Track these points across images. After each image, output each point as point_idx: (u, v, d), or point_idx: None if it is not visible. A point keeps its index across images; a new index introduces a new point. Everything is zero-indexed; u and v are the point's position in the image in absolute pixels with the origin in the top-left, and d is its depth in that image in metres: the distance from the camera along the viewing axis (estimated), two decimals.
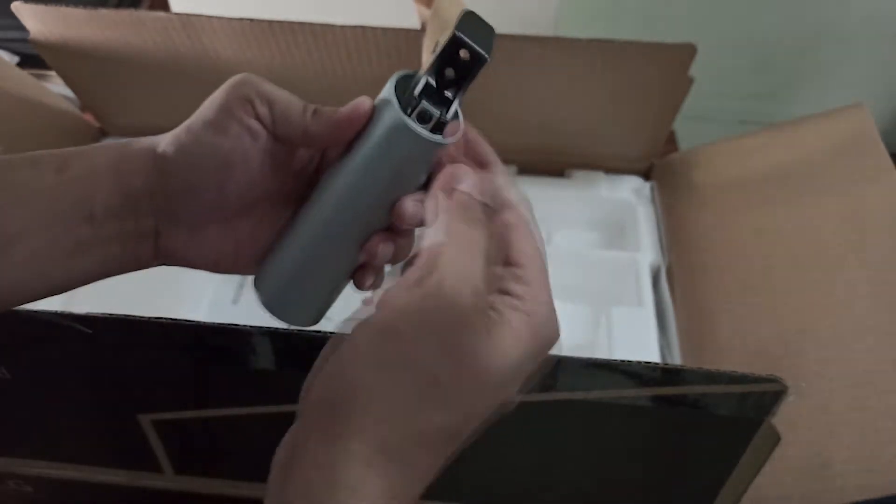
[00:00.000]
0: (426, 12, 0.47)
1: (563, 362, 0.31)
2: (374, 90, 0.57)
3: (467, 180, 0.26)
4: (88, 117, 0.63)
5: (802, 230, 0.48)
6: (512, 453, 0.37)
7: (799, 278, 0.46)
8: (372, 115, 0.26)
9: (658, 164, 0.60)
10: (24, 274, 0.26)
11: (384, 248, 0.27)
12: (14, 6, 0.50)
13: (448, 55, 0.24)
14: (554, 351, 0.28)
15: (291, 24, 0.48)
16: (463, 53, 0.24)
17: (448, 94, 0.25)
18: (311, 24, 0.48)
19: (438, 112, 0.25)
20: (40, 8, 0.50)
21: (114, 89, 0.57)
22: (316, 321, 0.29)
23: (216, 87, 0.60)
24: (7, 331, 0.33)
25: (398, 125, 0.24)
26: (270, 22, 0.48)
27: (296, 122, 0.27)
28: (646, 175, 0.61)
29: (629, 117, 0.55)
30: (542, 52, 0.49)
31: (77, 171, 0.27)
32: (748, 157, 0.55)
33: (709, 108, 1.07)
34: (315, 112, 0.27)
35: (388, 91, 0.25)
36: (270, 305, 0.28)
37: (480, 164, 0.28)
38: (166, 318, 0.31)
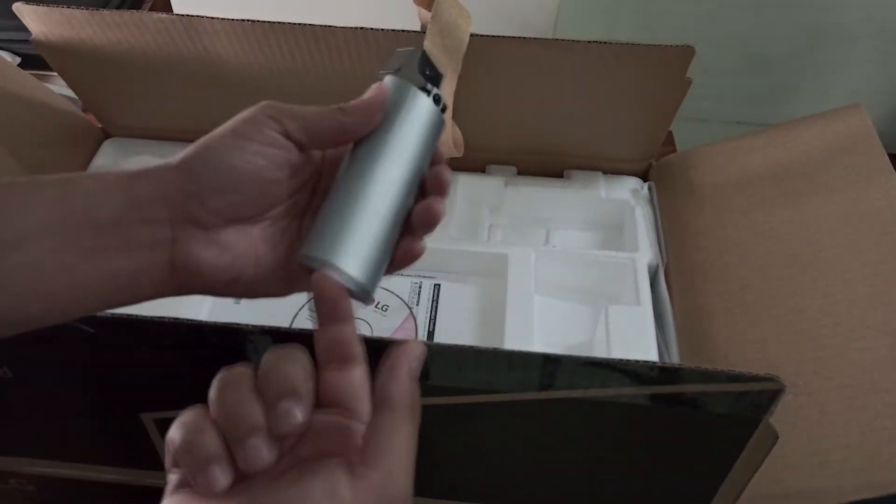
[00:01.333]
0: (426, 14, 0.47)
1: (561, 361, 0.31)
2: None
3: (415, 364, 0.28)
4: (90, 118, 0.63)
5: (800, 230, 0.48)
6: (510, 451, 0.38)
7: (796, 278, 0.46)
8: (402, 98, 0.30)
9: (656, 164, 0.61)
10: (23, 285, 0.25)
11: (437, 207, 0.29)
12: (16, 7, 0.50)
13: (423, 67, 0.31)
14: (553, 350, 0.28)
15: (293, 25, 0.48)
16: (429, 70, 0.31)
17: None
18: (313, 26, 0.48)
19: (440, 98, 0.31)
20: (42, 9, 0.50)
21: (116, 90, 0.57)
22: (370, 290, 0.29)
23: (217, 88, 0.60)
24: None
25: (428, 106, 0.30)
26: (272, 23, 0.48)
27: (330, 124, 0.29)
28: (644, 176, 0.61)
29: (627, 119, 0.55)
30: (540, 54, 0.49)
31: (82, 184, 0.27)
32: (746, 157, 0.55)
33: (707, 109, 1.07)
34: (341, 109, 0.29)
35: (395, 82, 0.30)
36: (330, 255, 0.28)
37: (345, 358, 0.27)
38: (168, 318, 0.31)
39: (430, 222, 0.30)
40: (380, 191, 0.29)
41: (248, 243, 0.29)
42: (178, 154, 0.28)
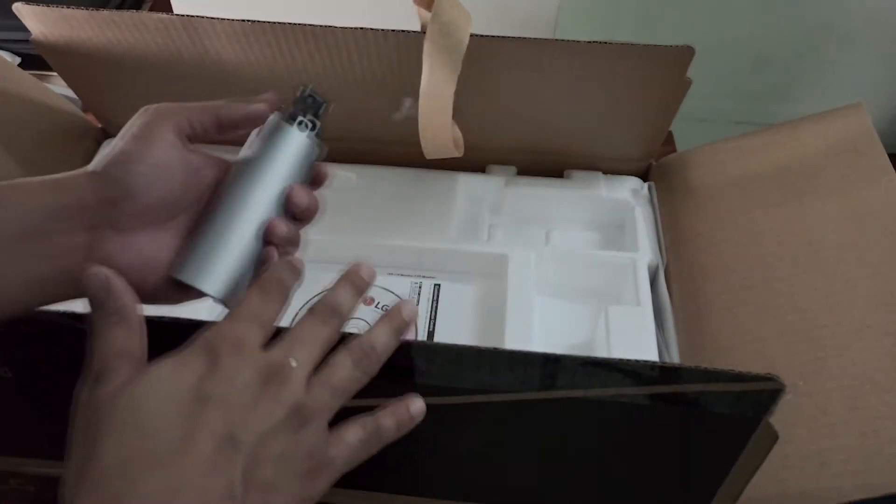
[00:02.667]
0: (426, 15, 0.47)
1: (562, 361, 0.31)
2: (374, 91, 0.57)
3: None
4: (90, 118, 0.63)
5: (801, 230, 0.48)
6: (510, 451, 0.38)
7: (797, 278, 0.46)
8: (271, 129, 0.34)
9: (656, 164, 0.61)
10: None
11: (281, 226, 0.33)
12: (15, 7, 0.50)
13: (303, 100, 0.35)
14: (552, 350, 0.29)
15: (293, 26, 0.48)
16: (310, 100, 0.35)
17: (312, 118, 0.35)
18: (313, 26, 0.48)
19: (314, 124, 0.35)
20: (42, 9, 0.50)
21: (115, 90, 0.57)
22: (232, 294, 0.33)
23: (217, 87, 0.60)
24: (8, 330, 0.33)
25: (302, 137, 0.34)
26: (272, 24, 0.48)
27: (210, 117, 0.33)
28: (644, 176, 0.61)
29: (628, 119, 0.55)
30: (541, 54, 0.49)
31: (11, 194, 0.29)
32: (747, 157, 0.55)
33: (707, 109, 1.07)
34: (222, 106, 0.33)
35: (271, 122, 0.35)
36: (191, 276, 0.32)
37: None
38: (167, 317, 0.31)
39: (273, 236, 0.33)
40: (239, 214, 0.33)
41: (156, 250, 0.32)
42: (88, 167, 0.31)
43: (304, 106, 0.35)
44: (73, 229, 0.30)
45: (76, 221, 0.30)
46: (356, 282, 0.31)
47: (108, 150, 0.31)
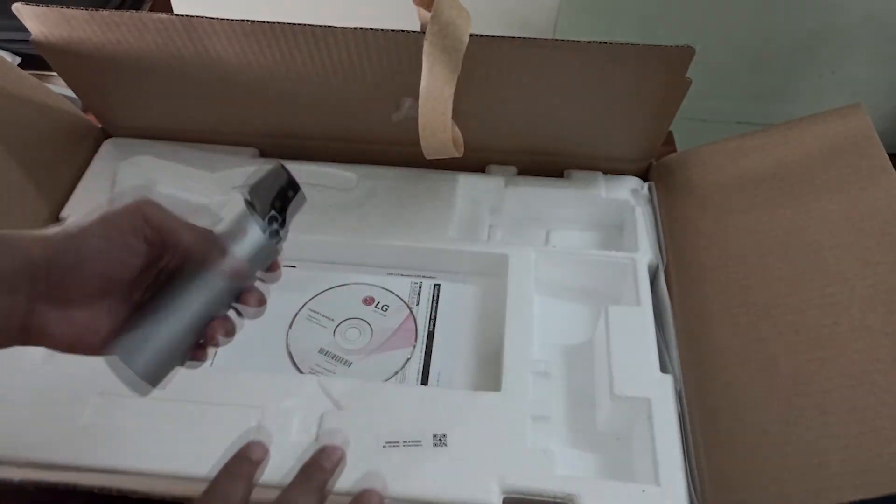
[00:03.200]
0: (426, 15, 0.47)
1: None
2: (374, 91, 0.57)
3: None
4: (90, 118, 0.63)
5: (800, 230, 0.48)
6: None
7: (796, 278, 0.46)
8: (241, 226, 0.34)
9: (656, 164, 0.61)
10: None
11: (221, 332, 0.34)
12: (15, 7, 0.50)
13: (282, 192, 0.35)
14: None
15: (293, 26, 0.48)
16: (290, 193, 0.35)
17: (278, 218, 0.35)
18: (312, 27, 0.48)
19: (281, 233, 0.35)
20: (41, 9, 0.50)
21: (115, 90, 0.57)
22: (158, 381, 0.33)
23: (217, 88, 0.59)
24: None
25: (266, 242, 0.34)
26: (272, 24, 0.48)
27: (181, 242, 0.33)
28: (644, 176, 0.61)
29: (627, 119, 0.55)
30: (540, 54, 0.49)
31: None
32: (746, 157, 0.55)
33: (707, 109, 1.08)
34: (210, 239, 0.34)
35: (241, 214, 0.34)
36: (128, 361, 0.32)
37: None
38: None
39: (210, 343, 0.34)
40: (188, 309, 0.33)
41: (91, 321, 0.32)
42: (49, 230, 0.31)
43: (280, 202, 0.35)
44: (15, 293, 0.30)
45: (19, 286, 0.30)
46: (314, 477, 0.29)
47: (70, 227, 0.32)
